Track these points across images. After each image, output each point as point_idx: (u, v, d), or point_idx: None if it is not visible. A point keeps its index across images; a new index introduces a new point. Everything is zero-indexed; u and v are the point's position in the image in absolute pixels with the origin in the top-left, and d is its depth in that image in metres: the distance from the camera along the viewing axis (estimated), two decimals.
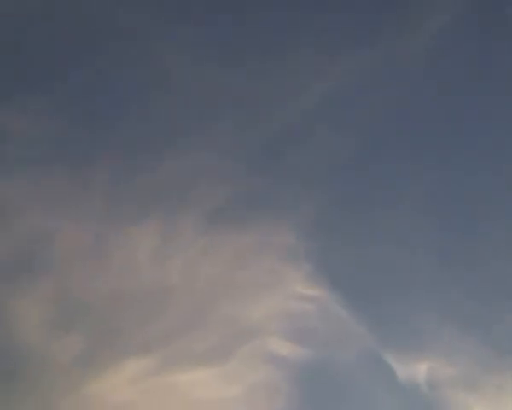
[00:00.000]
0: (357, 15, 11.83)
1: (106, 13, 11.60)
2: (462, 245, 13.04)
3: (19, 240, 13.90)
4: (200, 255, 14.68)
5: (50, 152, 13.06)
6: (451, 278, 13.76)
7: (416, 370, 13.50)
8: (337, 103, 13.18)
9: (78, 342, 14.38)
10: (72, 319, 14.19)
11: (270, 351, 14.47)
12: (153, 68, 12.14)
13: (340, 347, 15.22)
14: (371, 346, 13.96)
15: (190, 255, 15.06)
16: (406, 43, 12.14)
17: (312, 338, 15.64)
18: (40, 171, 12.75)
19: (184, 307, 15.11)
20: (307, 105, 12.73)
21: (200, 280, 15.04)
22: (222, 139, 13.25)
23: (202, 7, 11.89)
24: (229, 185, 13.56)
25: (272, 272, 14.33)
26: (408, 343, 14.91)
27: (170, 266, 14.05)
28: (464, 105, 12.91)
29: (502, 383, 13.12)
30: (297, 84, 12.17)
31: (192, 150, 13.72)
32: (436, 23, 12.24)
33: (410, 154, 13.56)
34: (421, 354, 13.70)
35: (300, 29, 11.78)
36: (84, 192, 12.85)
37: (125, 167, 13.29)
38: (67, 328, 14.85)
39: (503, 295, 12.45)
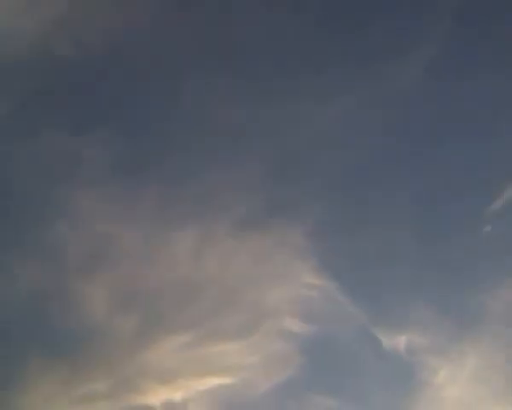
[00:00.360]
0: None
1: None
2: (434, 243, 16.38)
3: (89, 240, 17.47)
4: (229, 252, 18.14)
5: (113, 172, 16.41)
6: (426, 265, 17.24)
7: (398, 341, 16.77)
8: (337, 129, 16.52)
9: (133, 321, 18.16)
10: (129, 302, 17.80)
11: (284, 328, 18.09)
12: (192, 106, 15.67)
13: (338, 324, 18.87)
14: (363, 323, 17.36)
15: (222, 252, 18.52)
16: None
17: (317, 318, 19.31)
18: (104, 187, 16.24)
19: (216, 294, 18.85)
20: (310, 131, 16.33)
21: (229, 272, 18.59)
22: (246, 159, 16.75)
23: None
24: (252, 196, 16.76)
25: (286, 266, 17.69)
26: (391, 320, 18.56)
27: (205, 261, 17.53)
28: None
29: (463, 350, 16.61)
30: (301, 117, 15.60)
31: (225, 166, 17.10)
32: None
33: (395, 167, 16.95)
34: (401, 328, 17.08)
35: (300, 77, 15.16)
36: (138, 204, 16.30)
37: (171, 181, 16.52)
38: (126, 310, 18.78)
39: (464, 279, 15.87)
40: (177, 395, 16.59)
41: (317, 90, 15.72)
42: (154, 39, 15.55)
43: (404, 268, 15.94)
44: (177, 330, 16.87)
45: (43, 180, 15.36)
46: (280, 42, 15.64)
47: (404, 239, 15.74)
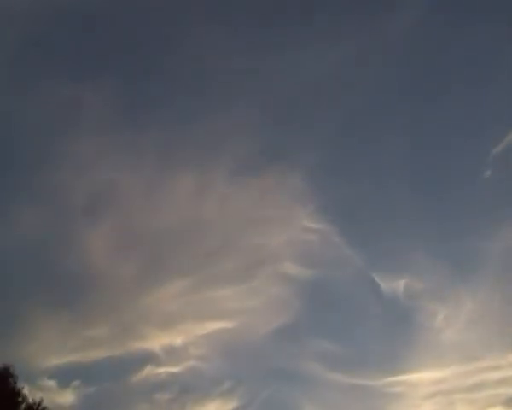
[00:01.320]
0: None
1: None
2: (433, 188, 16.10)
3: (90, 186, 17.38)
4: (228, 197, 18.03)
5: (114, 118, 16.25)
6: (424, 211, 16.97)
7: (397, 285, 16.90)
8: (332, 81, 16.21)
9: (134, 266, 18.17)
10: (130, 248, 17.74)
11: (283, 272, 18.08)
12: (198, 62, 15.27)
13: (337, 268, 18.89)
14: (362, 267, 17.42)
15: (221, 197, 18.43)
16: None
17: (316, 262, 19.28)
18: (105, 133, 16.12)
19: (216, 239, 18.78)
20: (310, 78, 15.94)
21: (229, 217, 18.55)
22: (246, 104, 16.39)
23: None
24: (251, 141, 16.67)
25: (285, 210, 17.68)
26: (390, 265, 18.51)
27: (205, 205, 17.46)
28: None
29: (461, 294, 16.61)
30: (302, 65, 15.24)
31: (225, 112, 16.81)
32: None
33: (394, 113, 16.53)
34: (400, 273, 17.11)
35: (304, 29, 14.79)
36: (139, 149, 16.22)
37: (172, 127, 16.34)
38: (126, 255, 18.70)
39: (462, 224, 15.62)
40: (177, 340, 16.90)
41: (317, 38, 15.41)
42: None
43: (403, 213, 16.07)
44: (177, 276, 17.09)
45: (45, 127, 15.43)
46: None
47: (402, 185, 15.85)
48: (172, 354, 19.10)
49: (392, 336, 19.22)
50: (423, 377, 19.41)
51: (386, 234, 19.04)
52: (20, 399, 8.50)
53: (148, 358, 20.04)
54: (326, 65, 15.00)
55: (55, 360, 16.90)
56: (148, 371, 18.91)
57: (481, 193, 15.42)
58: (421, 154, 16.86)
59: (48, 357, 16.97)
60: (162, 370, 19.33)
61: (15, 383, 8.40)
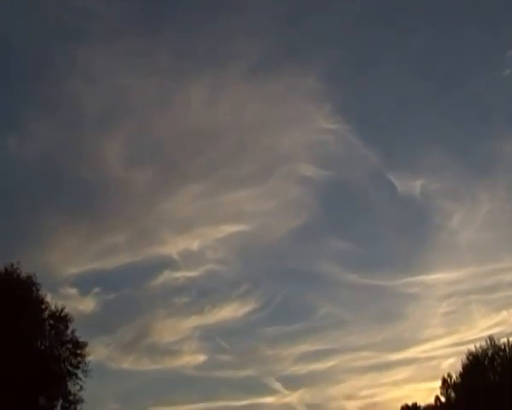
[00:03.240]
0: None
1: None
2: (449, 85, 15.67)
3: (104, 95, 17.13)
4: (242, 99, 17.74)
5: (125, 24, 15.83)
6: (440, 107, 16.77)
7: (413, 185, 16.75)
8: None
9: (151, 171, 18.06)
10: (147, 153, 17.60)
11: (298, 173, 17.91)
12: None
13: (353, 169, 18.76)
14: (378, 167, 17.28)
15: (235, 99, 18.13)
16: None
17: (332, 163, 19.15)
18: (117, 40, 15.69)
19: (230, 142, 18.64)
20: None
21: (243, 119, 18.33)
22: (258, 2, 15.85)
23: None
24: (265, 40, 16.28)
25: (300, 111, 17.47)
26: (407, 164, 18.37)
27: (219, 108, 17.21)
28: None
29: (478, 194, 16.50)
30: None
31: (238, 13, 16.29)
32: None
33: (409, 9, 15.97)
34: (416, 173, 16.99)
35: None
36: (152, 55, 15.88)
37: (184, 30, 15.93)
38: (142, 161, 18.65)
39: (479, 123, 15.42)
40: (194, 244, 16.98)
41: None
42: None
43: (420, 112, 15.75)
44: (193, 180, 17.04)
45: (58, 36, 15.06)
46: None
47: (419, 85, 15.48)
48: (190, 258, 19.33)
49: (409, 236, 19.27)
50: (439, 277, 19.54)
51: (402, 135, 18.67)
52: (43, 306, 7.92)
53: (166, 263, 20.29)
54: None
55: (76, 269, 17.14)
56: (167, 275, 19.16)
57: (500, 90, 15.12)
58: (439, 52, 16.30)
59: (68, 265, 17.19)
60: (180, 274, 19.58)
61: (38, 291, 7.89)
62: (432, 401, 15.06)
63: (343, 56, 15.83)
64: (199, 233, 18.33)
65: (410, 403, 16.37)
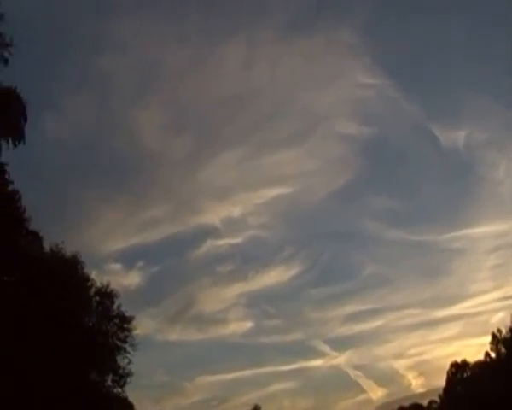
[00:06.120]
0: None
1: None
2: (490, 32, 15.18)
3: (136, 67, 17.64)
4: (278, 59, 18.12)
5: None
6: (484, 53, 16.71)
7: (456, 136, 16.86)
8: None
9: (187, 140, 18.71)
10: (181, 123, 18.24)
11: (339, 131, 18.29)
12: None
13: (395, 123, 19.18)
14: (420, 120, 17.53)
15: (270, 60, 18.53)
16: None
17: (373, 118, 19.66)
18: (147, 10, 15.94)
19: (268, 103, 19.04)
20: None
21: (279, 80, 18.77)
22: None
23: None
24: None
25: (338, 67, 17.78)
26: (449, 115, 18.65)
27: (254, 71, 17.54)
28: None
29: None
30: None
31: None
32: None
33: None
34: (460, 123, 17.16)
35: None
36: (183, 22, 16.15)
37: None
38: (178, 131, 19.40)
39: None
40: (235, 211, 17.15)
41: None
42: None
43: (462, 58, 15.29)
44: (230, 145, 17.16)
45: (85, 12, 15.07)
46: None
47: (460, 31, 15.02)
48: (231, 225, 19.33)
49: (452, 189, 19.05)
50: (485, 230, 19.29)
51: (444, 85, 18.52)
52: (89, 284, 7.97)
53: (208, 232, 20.41)
54: None
55: (119, 244, 17.29)
56: (209, 244, 19.21)
57: None
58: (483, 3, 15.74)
59: (111, 241, 17.33)
60: (222, 242, 19.65)
61: (83, 269, 7.88)
62: (482, 357, 15.16)
63: (382, 7, 15.61)
64: (239, 199, 18.52)
65: (459, 360, 16.45)
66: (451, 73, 16.86)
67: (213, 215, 16.94)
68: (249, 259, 18.47)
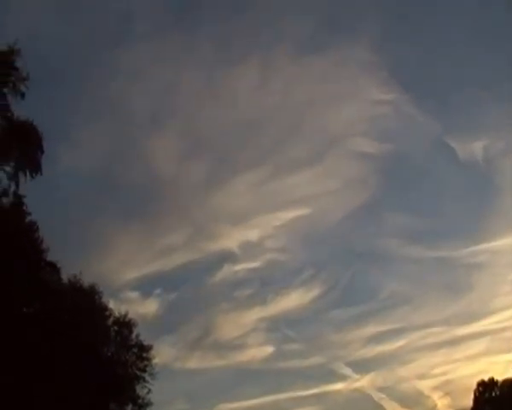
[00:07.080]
0: None
1: None
2: (503, 42, 14.52)
3: (150, 94, 17.19)
4: (291, 79, 17.69)
5: (166, 18, 15.85)
6: (501, 65, 15.67)
7: (474, 148, 16.14)
8: None
9: (202, 166, 18.11)
10: (196, 148, 17.70)
11: (355, 150, 17.60)
12: None
13: (411, 138, 18.29)
14: (437, 134, 16.79)
15: (284, 81, 18.04)
16: None
17: (389, 135, 18.73)
18: (159, 35, 15.73)
19: (282, 125, 18.52)
20: None
21: (294, 100, 18.16)
22: None
23: None
24: (312, 15, 16.15)
25: (352, 84, 17.14)
26: (466, 126, 17.67)
27: (268, 92, 17.10)
28: None
29: None
30: None
31: None
32: None
33: None
34: (477, 134, 16.36)
35: None
36: (196, 47, 15.93)
37: (226, 16, 15.83)
38: (193, 156, 18.73)
39: None
40: (252, 235, 16.88)
41: None
42: None
43: (477, 69, 14.98)
44: (246, 169, 16.95)
45: (99, 41, 15.08)
46: None
47: (474, 44, 14.74)
48: (249, 249, 19.26)
49: (472, 202, 18.73)
50: (506, 243, 19.00)
51: (459, 94, 17.98)
52: (107, 313, 8.06)
53: (226, 257, 20.18)
54: None
55: (135, 272, 17.20)
56: (227, 269, 19.08)
57: None
58: (492, 11, 15.02)
59: (128, 270, 17.30)
60: (240, 267, 19.48)
61: (101, 299, 7.99)
62: (510, 374, 14.91)
63: (394, 23, 15.48)
64: (256, 223, 18.30)
65: (486, 378, 16.10)
66: (467, 82, 16.76)
67: (230, 240, 16.77)
68: (268, 282, 18.24)
